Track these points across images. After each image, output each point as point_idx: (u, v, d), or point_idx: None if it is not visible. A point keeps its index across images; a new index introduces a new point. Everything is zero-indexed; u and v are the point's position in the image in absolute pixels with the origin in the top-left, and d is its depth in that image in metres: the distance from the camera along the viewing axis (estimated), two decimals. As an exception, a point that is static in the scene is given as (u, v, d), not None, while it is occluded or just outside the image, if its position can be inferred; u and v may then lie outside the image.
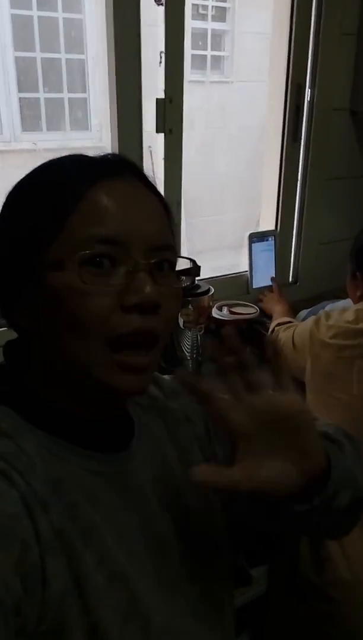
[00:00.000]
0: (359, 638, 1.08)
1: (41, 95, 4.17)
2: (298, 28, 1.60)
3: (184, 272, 0.61)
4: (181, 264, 0.61)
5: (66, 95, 4.25)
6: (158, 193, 0.60)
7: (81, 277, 0.51)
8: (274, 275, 1.80)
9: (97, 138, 4.26)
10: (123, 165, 0.58)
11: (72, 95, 4.31)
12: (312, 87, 1.68)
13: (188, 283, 0.63)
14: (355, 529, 1.10)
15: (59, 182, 0.54)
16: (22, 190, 0.57)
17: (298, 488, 0.52)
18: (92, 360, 0.53)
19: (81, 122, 4.37)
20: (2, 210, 0.57)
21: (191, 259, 0.61)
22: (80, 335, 0.52)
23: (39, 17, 3.96)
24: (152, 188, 0.59)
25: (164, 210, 0.60)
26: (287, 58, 1.63)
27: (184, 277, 0.62)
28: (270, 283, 1.77)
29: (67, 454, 0.55)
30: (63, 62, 4.17)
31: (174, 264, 0.58)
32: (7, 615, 0.43)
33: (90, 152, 0.59)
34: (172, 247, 0.58)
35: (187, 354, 1.56)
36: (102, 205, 0.53)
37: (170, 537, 0.61)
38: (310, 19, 1.61)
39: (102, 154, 0.59)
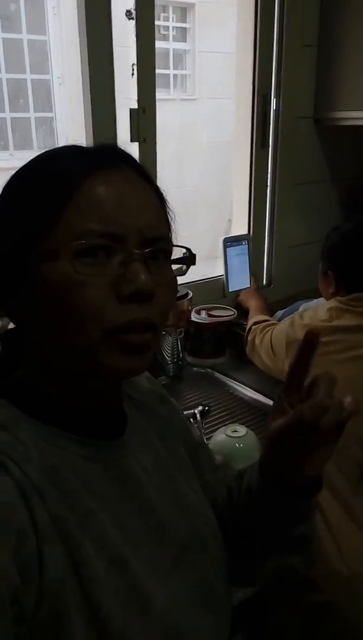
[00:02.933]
0: (356, 631, 1.08)
1: (7, 115, 4.19)
2: (262, 40, 1.67)
3: (179, 260, 0.61)
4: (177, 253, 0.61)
5: (32, 114, 4.28)
6: (154, 183, 0.60)
7: (75, 267, 0.51)
8: (249, 278, 1.85)
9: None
10: (118, 156, 0.58)
11: (38, 114, 4.34)
12: (277, 96, 1.75)
13: (183, 272, 0.64)
14: (347, 521, 1.14)
15: (55, 173, 0.54)
16: (18, 181, 0.57)
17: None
18: (91, 347, 0.53)
19: (48, 141, 4.40)
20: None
21: (186, 247, 0.61)
22: (76, 325, 0.52)
23: (3, 39, 3.99)
24: (147, 179, 0.59)
25: (160, 201, 0.60)
26: (252, 69, 1.69)
27: (184, 267, 0.62)
28: (246, 286, 1.82)
29: (63, 442, 0.56)
30: (29, 83, 4.20)
31: (169, 254, 0.59)
32: (5, 604, 0.43)
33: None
34: (167, 237, 0.58)
35: (168, 358, 1.59)
36: (97, 196, 0.53)
37: (165, 524, 0.61)
38: (273, 32, 1.69)
39: (97, 145, 0.59)
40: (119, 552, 0.54)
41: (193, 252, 0.62)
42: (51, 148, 0.59)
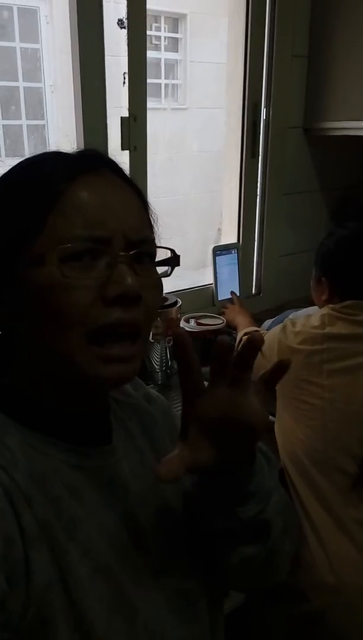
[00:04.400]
0: None
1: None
2: (252, 50, 1.69)
3: (163, 262, 0.61)
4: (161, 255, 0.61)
5: (24, 122, 4.28)
6: (135, 187, 0.61)
7: (62, 271, 0.52)
8: (238, 287, 1.85)
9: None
10: (100, 161, 0.59)
11: (30, 122, 4.34)
12: (267, 106, 1.76)
13: (168, 272, 0.64)
14: (336, 531, 1.13)
15: (39, 180, 0.55)
16: (2, 188, 0.57)
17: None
18: (75, 354, 0.53)
19: (39, 148, 4.40)
20: None
21: (170, 249, 0.61)
22: (62, 329, 0.53)
23: (-5, 47, 4.00)
24: (129, 182, 0.60)
25: (142, 204, 0.60)
26: (243, 79, 1.70)
27: (169, 269, 0.62)
28: (238, 299, 1.82)
29: (50, 449, 0.56)
30: (21, 90, 4.21)
31: (154, 256, 0.59)
32: None
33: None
34: (151, 239, 0.59)
35: (156, 366, 1.58)
36: (82, 201, 0.54)
37: (149, 531, 0.62)
38: (264, 42, 1.70)
39: (78, 150, 0.60)
40: (105, 559, 0.54)
41: (177, 253, 0.62)
42: (33, 154, 0.60)
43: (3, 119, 4.18)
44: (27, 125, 4.32)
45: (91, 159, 0.58)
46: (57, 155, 0.59)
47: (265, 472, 0.60)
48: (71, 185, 0.54)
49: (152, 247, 0.59)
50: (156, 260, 0.60)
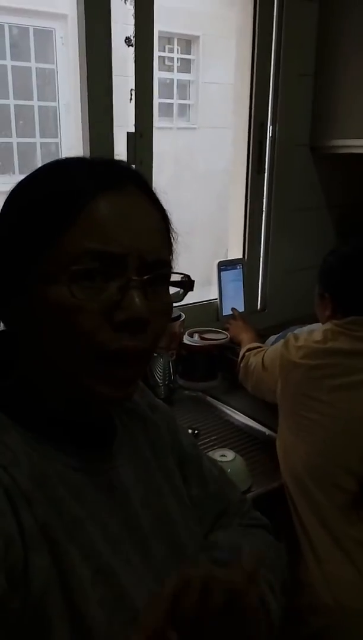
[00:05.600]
0: None
1: (14, 139, 4.27)
2: (259, 70, 1.71)
3: (177, 284, 0.60)
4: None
5: (38, 140, 4.37)
6: (160, 205, 0.59)
7: (71, 291, 0.51)
8: (243, 302, 1.85)
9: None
10: (126, 176, 0.57)
11: (44, 140, 4.42)
12: (274, 124, 1.78)
13: (180, 298, 0.63)
14: (334, 550, 1.11)
15: (60, 194, 0.53)
16: (22, 196, 0.56)
17: None
18: (78, 370, 0.53)
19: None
20: (1, 213, 0.57)
21: (184, 274, 0.60)
22: (67, 347, 0.53)
23: (12, 66, 4.10)
24: (153, 199, 0.58)
25: (164, 223, 0.59)
26: (250, 97, 1.72)
27: (181, 290, 0.61)
28: (240, 310, 1.81)
29: (52, 452, 0.56)
30: (36, 109, 4.30)
31: (168, 278, 0.58)
32: None
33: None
34: (167, 262, 0.58)
35: (159, 380, 1.57)
36: (99, 220, 0.52)
37: (151, 536, 0.62)
38: (270, 62, 1.72)
39: (105, 160, 0.58)
40: (106, 561, 0.54)
41: (192, 278, 0.62)
42: (58, 160, 0.58)
43: (18, 136, 4.26)
44: (41, 143, 4.40)
45: (115, 173, 0.56)
46: (80, 166, 0.57)
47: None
48: (92, 201, 0.52)
49: (168, 269, 0.58)
50: (171, 281, 0.59)
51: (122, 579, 0.54)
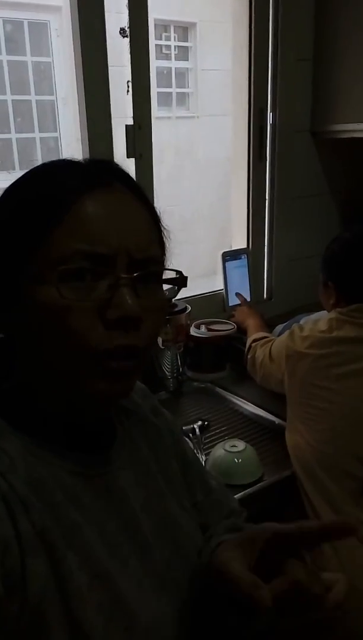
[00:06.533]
0: None
1: (13, 135, 4.25)
2: (256, 55, 1.69)
3: (170, 281, 0.60)
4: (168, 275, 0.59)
5: (37, 135, 4.34)
6: (148, 202, 0.59)
7: (60, 292, 0.51)
8: (249, 292, 1.84)
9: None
10: (113, 174, 0.57)
11: (43, 135, 4.40)
12: (274, 110, 1.76)
13: (174, 294, 0.63)
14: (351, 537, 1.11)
15: (46, 195, 0.53)
16: (10, 198, 0.56)
17: None
18: (75, 370, 0.53)
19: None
20: None
21: (177, 271, 0.60)
22: (61, 348, 0.53)
23: (8, 61, 4.07)
24: (141, 197, 0.58)
25: (153, 221, 0.59)
26: (248, 84, 1.70)
27: (176, 287, 0.60)
28: (246, 300, 1.81)
29: (50, 456, 0.56)
30: (34, 104, 4.27)
31: (160, 275, 0.58)
32: None
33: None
34: (158, 259, 0.57)
35: (167, 373, 1.58)
36: (87, 219, 0.52)
37: (152, 541, 0.61)
38: (268, 47, 1.70)
39: (92, 160, 0.58)
40: (104, 567, 0.54)
41: (184, 274, 0.61)
42: (45, 162, 0.59)
43: (16, 132, 4.24)
44: (41, 138, 4.38)
45: (102, 172, 0.57)
46: (67, 167, 0.57)
47: None
48: (78, 200, 0.53)
49: (159, 266, 0.57)
50: (163, 278, 0.59)
51: (120, 584, 0.54)
